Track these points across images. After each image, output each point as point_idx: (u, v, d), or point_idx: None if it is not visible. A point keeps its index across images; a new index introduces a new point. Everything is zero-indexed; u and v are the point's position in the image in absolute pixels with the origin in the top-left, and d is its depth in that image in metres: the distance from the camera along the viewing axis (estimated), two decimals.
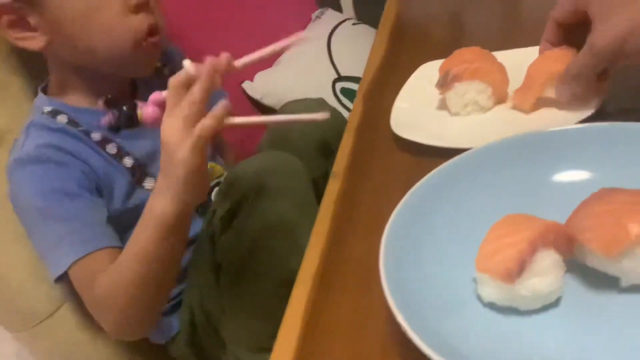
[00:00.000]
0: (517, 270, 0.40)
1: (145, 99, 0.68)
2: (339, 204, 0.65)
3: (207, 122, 0.60)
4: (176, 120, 0.60)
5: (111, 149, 0.83)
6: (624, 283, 0.41)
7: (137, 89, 0.90)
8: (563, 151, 0.51)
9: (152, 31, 0.81)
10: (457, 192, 0.51)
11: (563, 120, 0.61)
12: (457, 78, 0.69)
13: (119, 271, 0.69)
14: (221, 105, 0.61)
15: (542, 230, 0.41)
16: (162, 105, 0.64)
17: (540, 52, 0.66)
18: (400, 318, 0.40)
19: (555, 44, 0.64)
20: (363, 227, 0.61)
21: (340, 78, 1.21)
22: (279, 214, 0.75)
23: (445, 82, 0.70)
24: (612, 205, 0.40)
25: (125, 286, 0.68)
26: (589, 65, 0.56)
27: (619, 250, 0.39)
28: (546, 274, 0.41)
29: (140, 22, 0.79)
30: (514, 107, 0.68)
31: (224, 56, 0.63)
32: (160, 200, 0.64)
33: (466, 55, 0.72)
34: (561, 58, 0.61)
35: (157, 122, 0.65)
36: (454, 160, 0.53)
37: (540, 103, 0.66)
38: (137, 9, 0.78)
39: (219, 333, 0.82)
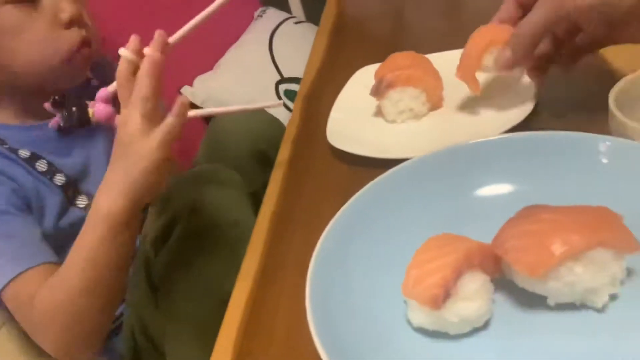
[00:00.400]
0: (442, 297, 0.39)
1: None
2: (275, 220, 0.63)
3: (171, 120, 0.58)
4: (135, 115, 0.57)
5: (41, 166, 0.79)
6: (551, 302, 0.40)
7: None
8: (490, 163, 0.50)
9: (85, 45, 0.78)
10: (383, 212, 0.49)
11: (494, 126, 0.60)
12: (391, 85, 0.68)
13: (63, 280, 0.65)
14: (180, 103, 0.59)
15: (467, 254, 0.40)
16: (111, 102, 0.63)
17: None
18: (321, 349, 0.38)
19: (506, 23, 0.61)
20: (299, 242, 0.59)
21: (283, 80, 1.18)
22: (214, 231, 0.73)
23: (379, 90, 0.69)
24: (537, 225, 0.39)
25: (70, 297, 0.64)
26: (536, 22, 0.54)
27: (543, 271, 0.38)
28: (473, 298, 0.40)
29: (71, 37, 0.76)
30: (462, 80, 0.65)
31: (157, 35, 0.60)
32: (107, 196, 0.60)
33: (400, 61, 0.71)
34: (501, 30, 0.60)
35: (110, 119, 0.63)
36: (380, 179, 0.51)
37: (489, 91, 0.65)
38: (69, 25, 0.76)
39: (164, 356, 0.79)
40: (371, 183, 0.51)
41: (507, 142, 0.51)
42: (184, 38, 0.64)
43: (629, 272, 0.41)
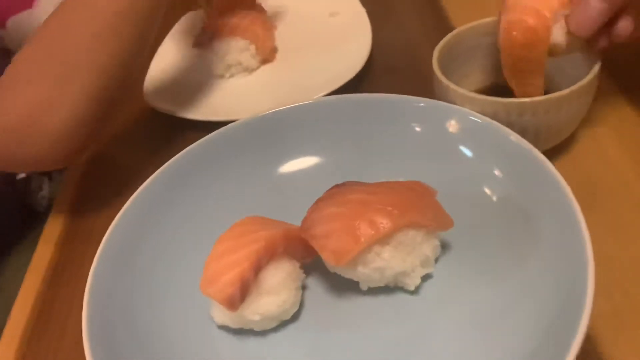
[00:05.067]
0: (239, 296, 0.34)
1: None
2: (76, 195, 0.55)
3: None
4: None
5: None
6: (363, 287, 0.37)
7: None
8: (301, 132, 0.45)
9: None
10: (185, 194, 0.43)
11: (326, 84, 0.55)
12: (215, 36, 0.60)
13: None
14: None
15: (268, 243, 0.35)
16: None
17: None
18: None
19: None
20: (102, 225, 0.49)
21: None
22: None
23: (202, 41, 0.61)
24: (342, 207, 0.35)
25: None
26: None
27: (348, 259, 0.34)
28: (278, 291, 0.36)
29: None
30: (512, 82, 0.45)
31: None
32: None
33: (226, 4, 0.63)
34: None
35: None
36: (179, 156, 0.44)
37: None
38: None
39: None
40: (170, 161, 0.44)
41: (318, 108, 0.46)
42: None
43: (444, 246, 0.39)
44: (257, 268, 0.35)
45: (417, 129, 0.42)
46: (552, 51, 0.42)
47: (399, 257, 0.35)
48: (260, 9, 0.63)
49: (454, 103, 0.43)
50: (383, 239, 0.34)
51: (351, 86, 0.56)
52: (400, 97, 0.43)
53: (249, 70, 0.62)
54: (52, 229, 0.52)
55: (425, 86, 0.48)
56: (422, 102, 0.43)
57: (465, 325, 0.35)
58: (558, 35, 0.41)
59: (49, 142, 0.46)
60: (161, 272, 0.40)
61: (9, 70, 0.47)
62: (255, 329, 0.37)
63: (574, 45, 0.42)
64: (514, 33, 0.41)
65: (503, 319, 0.34)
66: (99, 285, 0.37)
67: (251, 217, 0.38)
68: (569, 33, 0.41)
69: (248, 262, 0.34)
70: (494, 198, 0.39)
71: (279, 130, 0.45)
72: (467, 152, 0.40)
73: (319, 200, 0.37)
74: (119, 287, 0.38)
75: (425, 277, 0.37)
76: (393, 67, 0.61)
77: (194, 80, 0.62)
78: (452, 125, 0.40)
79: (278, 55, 0.64)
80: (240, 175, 0.44)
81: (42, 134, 0.45)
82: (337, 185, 0.38)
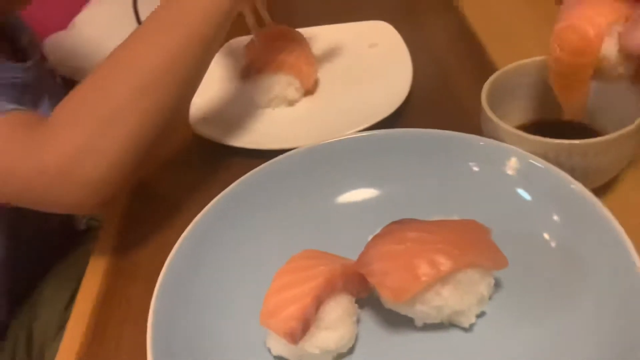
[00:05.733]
0: (301, 330, 0.35)
1: None
2: (125, 222, 0.55)
3: None
4: None
5: None
6: (418, 323, 0.38)
7: None
8: (351, 164, 0.46)
9: None
10: (241, 225, 0.44)
11: (369, 113, 0.57)
12: (261, 71, 0.62)
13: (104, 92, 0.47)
14: None
15: (328, 278, 0.36)
16: None
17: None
18: None
19: None
20: (151, 252, 0.51)
21: None
22: None
23: (248, 75, 0.63)
24: (402, 245, 0.36)
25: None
26: None
27: (407, 297, 0.35)
28: (336, 326, 0.36)
29: None
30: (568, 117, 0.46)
31: None
32: None
33: (271, 37, 0.64)
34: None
35: None
36: (234, 186, 0.45)
37: None
38: None
39: None
40: (223, 192, 0.45)
41: (375, 140, 0.47)
42: None
43: (496, 284, 0.39)
44: (318, 303, 0.36)
45: (475, 168, 0.43)
46: (600, 69, 0.41)
47: (458, 295, 0.36)
48: (302, 42, 0.65)
49: (503, 141, 0.44)
50: (443, 279, 0.35)
51: (389, 119, 0.57)
52: (459, 134, 0.45)
53: (292, 102, 0.64)
54: (98, 262, 0.52)
55: (463, 121, 0.48)
56: (482, 141, 0.44)
57: None
58: (609, 49, 0.40)
59: (84, 188, 0.45)
60: (217, 303, 0.41)
61: (55, 112, 0.47)
62: None
63: (622, 67, 0.41)
64: (567, 37, 0.40)
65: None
66: (161, 316, 0.37)
67: (308, 251, 0.39)
68: (621, 50, 0.40)
69: (309, 297, 0.35)
70: (551, 242, 0.39)
71: (332, 162, 0.46)
72: (525, 195, 0.41)
73: (377, 236, 0.38)
74: (179, 317, 0.38)
75: (479, 315, 0.38)
76: (431, 100, 0.62)
77: (238, 110, 0.64)
78: (511, 168, 0.41)
79: (319, 87, 0.66)
80: (294, 206, 0.45)
81: (79, 180, 0.45)
82: (394, 222, 0.39)
